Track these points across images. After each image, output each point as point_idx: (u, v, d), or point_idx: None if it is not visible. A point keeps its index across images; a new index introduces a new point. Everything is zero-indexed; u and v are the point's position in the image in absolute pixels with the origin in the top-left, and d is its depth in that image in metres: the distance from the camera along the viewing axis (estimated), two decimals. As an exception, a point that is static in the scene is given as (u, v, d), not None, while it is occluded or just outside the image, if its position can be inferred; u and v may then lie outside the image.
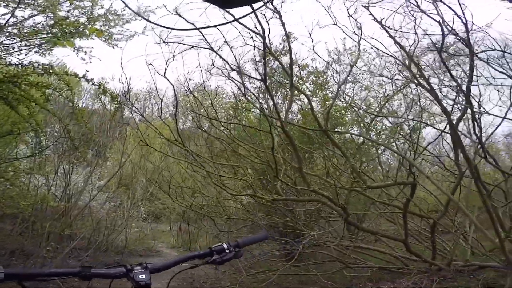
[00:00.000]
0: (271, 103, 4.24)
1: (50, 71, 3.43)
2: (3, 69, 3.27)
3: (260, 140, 4.81)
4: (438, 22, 2.50)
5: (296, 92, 4.29)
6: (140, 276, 0.78)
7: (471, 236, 3.49)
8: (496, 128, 3.70)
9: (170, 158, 5.72)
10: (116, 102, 4.20)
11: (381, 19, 2.67)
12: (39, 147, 5.41)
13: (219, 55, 3.14)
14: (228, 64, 3.26)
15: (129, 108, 4.64)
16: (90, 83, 3.76)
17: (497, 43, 2.44)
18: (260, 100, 4.34)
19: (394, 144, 4.77)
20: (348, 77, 4.26)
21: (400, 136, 4.50)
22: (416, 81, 3.39)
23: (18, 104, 3.41)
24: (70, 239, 5.25)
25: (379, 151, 5.10)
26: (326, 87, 5.24)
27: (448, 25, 2.50)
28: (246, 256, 4.87)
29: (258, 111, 4.78)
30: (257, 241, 1.15)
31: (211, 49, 3.06)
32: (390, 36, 2.69)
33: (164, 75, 3.63)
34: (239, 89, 3.64)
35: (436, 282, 3.10)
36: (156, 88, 4.13)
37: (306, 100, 5.14)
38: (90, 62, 4.10)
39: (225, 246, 0.96)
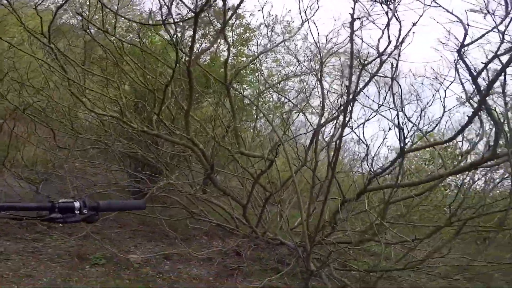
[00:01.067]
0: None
1: None
2: None
3: (155, 64, 4.14)
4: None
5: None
6: None
7: (285, 214, 3.91)
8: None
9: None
10: None
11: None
12: None
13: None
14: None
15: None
16: None
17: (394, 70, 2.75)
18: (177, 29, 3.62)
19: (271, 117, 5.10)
20: (269, 45, 4.14)
21: (279, 114, 4.84)
22: (318, 76, 3.65)
23: None
24: None
25: (257, 118, 5.35)
26: (247, 44, 4.99)
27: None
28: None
29: (168, 37, 4.02)
30: (127, 210, 0.93)
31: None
32: (351, 37, 2.65)
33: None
34: (160, 9, 2.82)
35: (251, 248, 3.53)
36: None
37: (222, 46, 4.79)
38: None
39: (76, 205, 0.74)
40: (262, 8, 3.84)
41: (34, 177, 4.13)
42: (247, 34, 5.29)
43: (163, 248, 3.42)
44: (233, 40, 5.13)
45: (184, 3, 3.23)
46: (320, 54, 3.78)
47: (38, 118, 4.18)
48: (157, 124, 3.92)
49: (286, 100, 4.90)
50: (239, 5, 2.96)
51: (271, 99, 5.45)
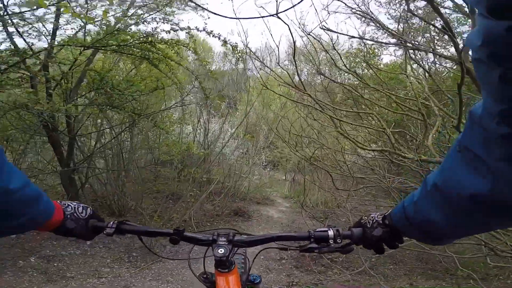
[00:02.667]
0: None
1: (177, 29, 3.77)
2: (139, 34, 3.79)
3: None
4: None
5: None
6: (219, 250, 0.74)
7: None
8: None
9: (288, 107, 5.62)
10: (236, 52, 4.29)
11: None
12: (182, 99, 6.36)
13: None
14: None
15: (250, 58, 4.68)
16: (211, 35, 3.90)
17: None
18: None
19: None
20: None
21: None
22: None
23: (158, 63, 3.79)
24: (208, 184, 6.02)
25: None
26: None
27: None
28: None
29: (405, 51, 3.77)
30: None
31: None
32: None
33: (277, 14, 3.33)
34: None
35: None
36: (270, 30, 3.91)
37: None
38: (209, 18, 4.36)
39: (330, 233, 0.74)
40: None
41: (319, 215, 4.78)
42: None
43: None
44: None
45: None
46: None
47: (318, 166, 5.02)
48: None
49: None
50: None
51: None
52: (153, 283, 3.35)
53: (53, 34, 3.30)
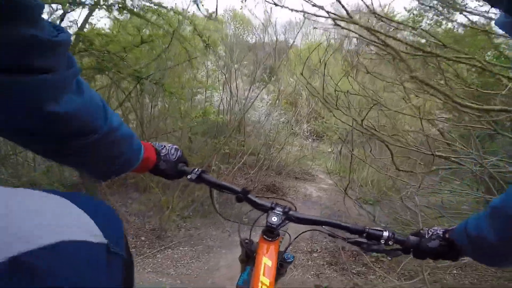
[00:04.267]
0: None
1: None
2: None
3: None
4: None
5: None
6: (273, 218, 0.74)
7: None
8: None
9: (330, 64, 4.44)
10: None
11: None
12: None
13: None
14: None
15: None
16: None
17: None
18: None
19: None
20: None
21: None
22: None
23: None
24: (242, 155, 5.40)
25: None
26: None
27: None
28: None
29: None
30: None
31: None
32: None
33: None
34: None
35: None
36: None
37: None
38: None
39: (384, 234, 0.69)
40: None
41: (368, 198, 3.73)
42: None
43: None
44: None
45: None
46: None
47: (377, 136, 3.86)
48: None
49: None
50: None
51: None
52: (151, 276, 2.87)
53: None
